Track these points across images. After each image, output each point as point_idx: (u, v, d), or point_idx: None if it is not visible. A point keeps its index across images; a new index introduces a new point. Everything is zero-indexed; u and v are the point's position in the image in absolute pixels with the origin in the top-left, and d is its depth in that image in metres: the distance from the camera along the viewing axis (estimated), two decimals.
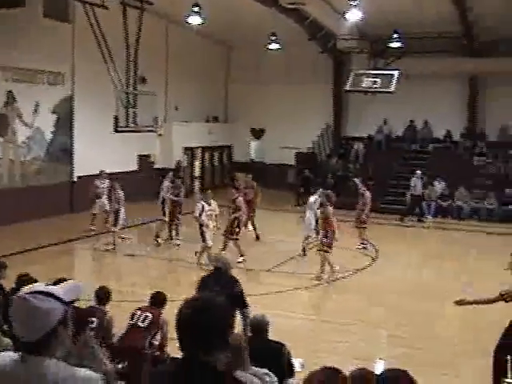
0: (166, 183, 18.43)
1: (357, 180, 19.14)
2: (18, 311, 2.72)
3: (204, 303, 2.85)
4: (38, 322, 2.68)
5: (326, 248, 14.00)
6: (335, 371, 3.34)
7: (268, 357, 5.86)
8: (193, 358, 2.76)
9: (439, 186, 24.38)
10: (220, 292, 7.44)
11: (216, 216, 15.31)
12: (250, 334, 6.65)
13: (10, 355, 2.79)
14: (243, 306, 7.97)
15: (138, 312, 7.92)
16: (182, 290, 12.25)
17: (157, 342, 7.91)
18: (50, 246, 16.72)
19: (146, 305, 8.19)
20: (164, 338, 7.92)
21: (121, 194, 17.17)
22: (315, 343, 10.25)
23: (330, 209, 14.25)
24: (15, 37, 19.26)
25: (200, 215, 14.79)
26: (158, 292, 8.43)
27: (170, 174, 19.42)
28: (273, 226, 20.97)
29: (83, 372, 2.75)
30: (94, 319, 7.64)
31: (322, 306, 13.21)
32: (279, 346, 6.40)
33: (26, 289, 2.78)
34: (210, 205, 15.08)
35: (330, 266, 14.15)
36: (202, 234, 14.85)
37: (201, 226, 14.85)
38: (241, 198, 15.95)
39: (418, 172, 23.31)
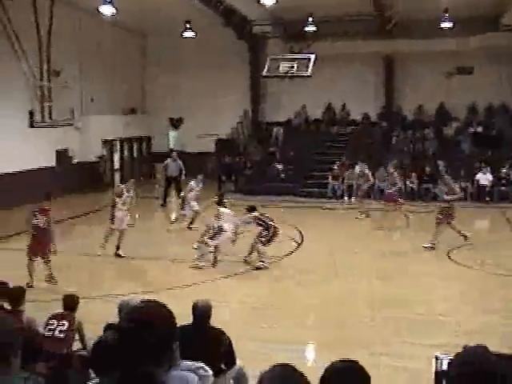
0: None
1: None
2: None
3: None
4: None
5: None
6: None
7: (208, 345, 5.85)
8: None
9: (359, 167, 24.52)
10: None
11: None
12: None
13: None
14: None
15: (54, 322, 7.50)
16: None
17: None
18: None
19: (59, 311, 7.77)
20: (83, 339, 7.66)
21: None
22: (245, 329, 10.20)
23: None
24: None
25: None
26: (69, 295, 7.99)
27: None
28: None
29: None
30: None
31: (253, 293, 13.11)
32: (220, 334, 6.32)
33: None
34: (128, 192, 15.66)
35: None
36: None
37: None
38: None
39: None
